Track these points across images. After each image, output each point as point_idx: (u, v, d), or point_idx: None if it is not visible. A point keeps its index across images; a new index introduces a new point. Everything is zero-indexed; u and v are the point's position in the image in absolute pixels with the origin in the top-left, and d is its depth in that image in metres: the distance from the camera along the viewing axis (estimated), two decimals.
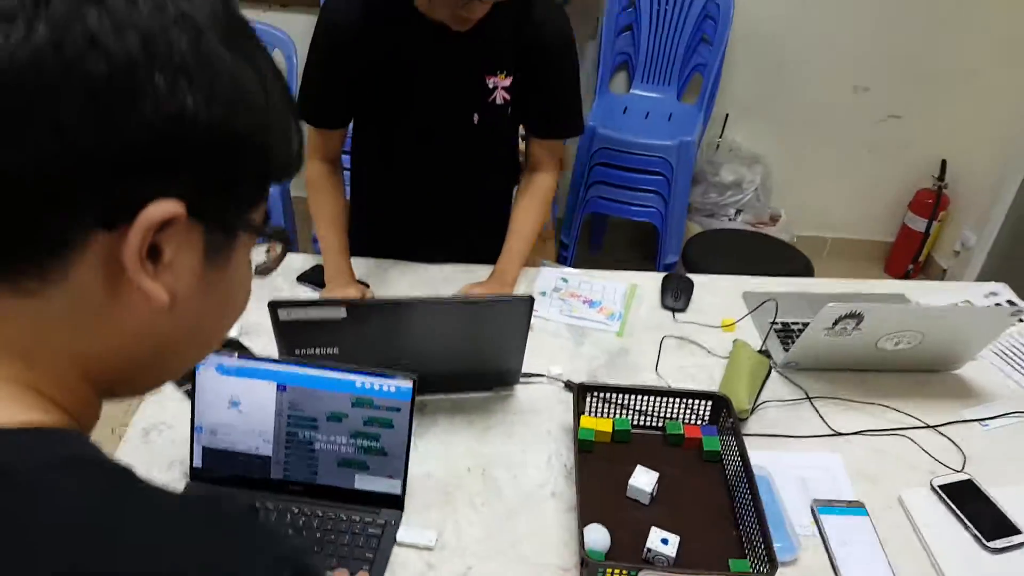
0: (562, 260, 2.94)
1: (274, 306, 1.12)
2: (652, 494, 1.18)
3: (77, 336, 0.46)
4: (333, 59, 1.40)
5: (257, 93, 0.47)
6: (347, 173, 1.62)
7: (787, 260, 2.34)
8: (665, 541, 1.09)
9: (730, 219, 3.01)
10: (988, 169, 3.01)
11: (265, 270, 0.56)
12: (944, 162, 3.11)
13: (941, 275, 3.24)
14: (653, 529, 1.11)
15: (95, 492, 0.42)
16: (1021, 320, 1.58)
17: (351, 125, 1.54)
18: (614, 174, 2.75)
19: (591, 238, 3.27)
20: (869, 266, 3.36)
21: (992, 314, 1.39)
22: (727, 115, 3.02)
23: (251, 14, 2.90)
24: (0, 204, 0.41)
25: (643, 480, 1.19)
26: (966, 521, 1.17)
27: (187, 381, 1.16)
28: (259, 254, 0.55)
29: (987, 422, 1.37)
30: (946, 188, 3.13)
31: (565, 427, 1.31)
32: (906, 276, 3.24)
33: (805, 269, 2.28)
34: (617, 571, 1.03)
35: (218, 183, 0.47)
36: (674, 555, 1.08)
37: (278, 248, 0.55)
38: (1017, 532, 1.16)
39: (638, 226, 3.06)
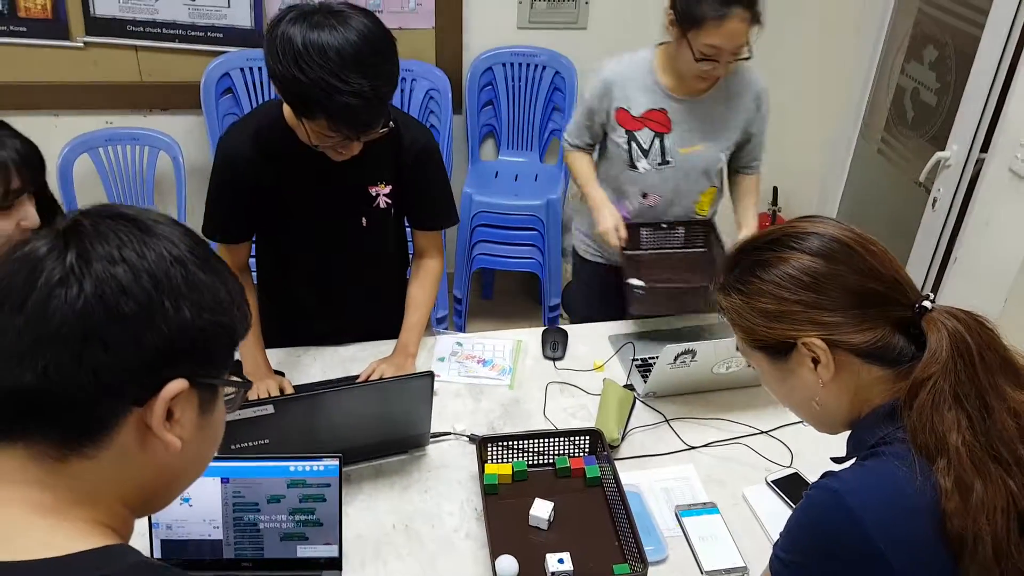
0: (457, 313, 3.20)
1: None
2: (549, 520, 1.43)
3: (121, 480, 0.69)
4: (231, 186, 1.61)
5: (224, 296, 0.71)
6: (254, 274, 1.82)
7: None
8: (561, 561, 1.34)
9: None
10: (812, 191, 3.48)
11: (232, 409, 0.80)
12: (775, 188, 3.57)
13: None
14: (548, 556, 1.34)
15: None
16: None
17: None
18: (494, 233, 3.04)
19: (481, 290, 3.54)
20: None
21: None
22: None
23: (134, 120, 3.08)
24: (72, 402, 0.63)
25: (541, 509, 1.44)
26: (794, 507, 1.48)
27: None
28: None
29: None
30: (780, 211, 3.58)
31: (472, 475, 1.55)
32: None
33: None
34: None
35: (206, 360, 0.70)
36: (572, 569, 1.33)
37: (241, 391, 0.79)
38: None
39: (522, 274, 3.35)
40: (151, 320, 0.64)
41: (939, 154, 2.35)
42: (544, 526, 1.42)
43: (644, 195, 2.06)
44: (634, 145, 2.00)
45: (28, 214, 1.34)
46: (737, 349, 1.08)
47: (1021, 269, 2.05)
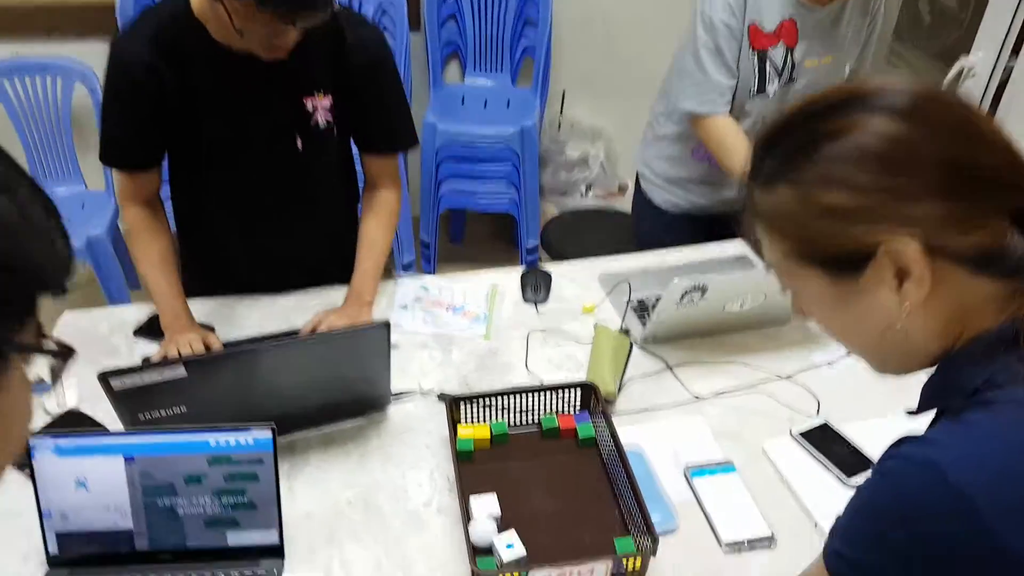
0: (425, 259, 2.93)
1: (104, 377, 1.04)
2: (497, 517, 1.15)
3: None
4: (128, 100, 1.33)
5: (11, 216, 0.44)
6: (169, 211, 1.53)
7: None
8: (511, 546, 1.09)
9: (582, 195, 3.08)
10: None
11: (46, 387, 0.53)
12: None
13: None
14: (495, 539, 1.10)
15: None
16: None
17: (166, 162, 1.46)
18: (462, 168, 2.75)
19: (451, 232, 3.26)
20: None
21: None
22: (564, 92, 3.07)
23: (47, 48, 2.71)
24: None
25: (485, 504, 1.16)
26: (826, 463, 1.25)
27: (27, 464, 1.07)
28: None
29: (834, 364, 1.46)
30: None
31: (444, 439, 1.31)
32: None
33: None
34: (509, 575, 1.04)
35: None
36: (524, 554, 1.08)
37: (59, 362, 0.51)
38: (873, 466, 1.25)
39: (497, 214, 3.08)
40: None
41: (963, 60, 2.11)
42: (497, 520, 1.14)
43: (764, 119, 1.78)
44: (768, 65, 1.71)
45: None
46: (768, 268, 0.77)
47: None
